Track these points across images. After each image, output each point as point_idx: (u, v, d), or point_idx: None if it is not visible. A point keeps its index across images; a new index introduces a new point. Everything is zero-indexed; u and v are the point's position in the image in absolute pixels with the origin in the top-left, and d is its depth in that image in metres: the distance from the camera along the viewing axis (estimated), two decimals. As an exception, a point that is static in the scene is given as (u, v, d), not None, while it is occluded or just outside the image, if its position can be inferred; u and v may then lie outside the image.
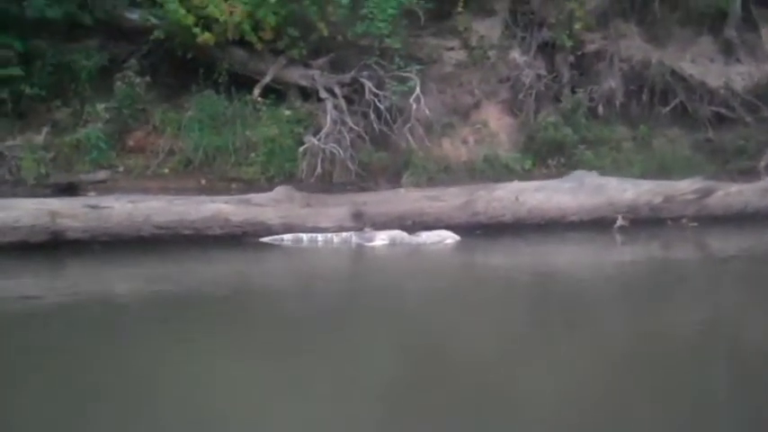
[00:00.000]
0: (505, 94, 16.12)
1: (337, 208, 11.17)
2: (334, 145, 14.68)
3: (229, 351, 7.51)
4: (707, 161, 15.92)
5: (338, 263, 10.67)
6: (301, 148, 14.60)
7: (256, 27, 14.89)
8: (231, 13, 14.69)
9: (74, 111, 14.82)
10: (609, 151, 15.95)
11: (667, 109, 16.26)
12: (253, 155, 14.76)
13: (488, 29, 16.34)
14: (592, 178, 12.58)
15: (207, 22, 14.70)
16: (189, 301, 9.25)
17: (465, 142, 15.86)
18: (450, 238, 11.18)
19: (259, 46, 15.05)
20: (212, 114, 14.95)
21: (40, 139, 14.46)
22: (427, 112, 15.19)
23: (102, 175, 14.24)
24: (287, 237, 10.86)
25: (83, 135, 14.39)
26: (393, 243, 10.99)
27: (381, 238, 10.96)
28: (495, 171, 15.30)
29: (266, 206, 10.90)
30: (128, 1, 15.19)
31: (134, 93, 14.82)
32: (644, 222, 12.68)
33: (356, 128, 14.98)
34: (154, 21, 14.98)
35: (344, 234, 10.97)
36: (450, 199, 11.80)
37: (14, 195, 12.75)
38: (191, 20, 14.62)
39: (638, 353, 7.57)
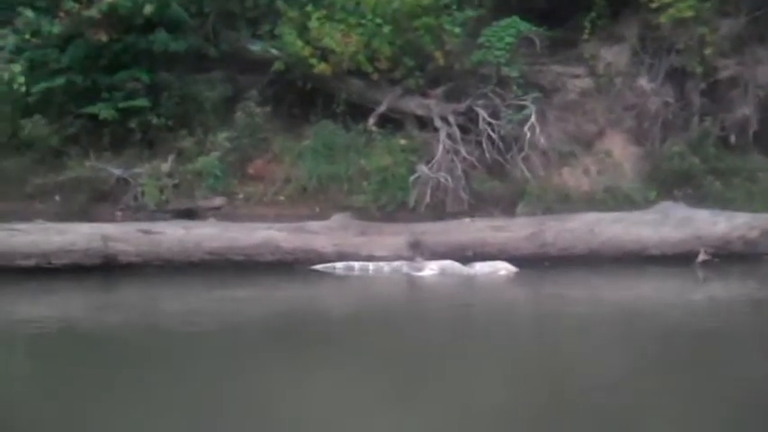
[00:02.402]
0: (631, 122, 15.66)
1: (394, 237, 11.18)
2: (445, 174, 14.72)
3: (288, 377, 7.62)
4: None
5: (367, 293, 10.74)
6: (412, 177, 14.72)
7: (372, 57, 15.13)
8: (347, 43, 14.99)
9: (198, 140, 15.47)
10: (742, 182, 15.23)
11: (808, 138, 15.38)
12: (365, 183, 15.00)
13: (616, 55, 15.93)
14: (678, 210, 12.07)
15: (324, 53, 15.07)
16: (233, 327, 9.53)
17: (587, 172, 15.51)
18: (504, 269, 10.99)
19: (375, 76, 15.28)
20: (328, 143, 15.28)
21: (166, 166, 15.18)
22: (542, 140, 15.02)
23: (218, 201, 14.83)
24: (338, 265, 10.99)
25: (201, 163, 15.00)
26: (443, 273, 10.92)
27: (431, 268, 10.91)
28: (616, 202, 14.88)
29: (319, 234, 11.05)
30: (250, 33, 15.74)
31: (254, 123, 15.34)
32: (738, 258, 12.04)
33: (469, 157, 14.97)
34: (274, 52, 15.50)
35: (395, 263, 10.99)
36: (516, 229, 11.59)
37: (136, 220, 13.47)
38: (308, 51, 15.03)
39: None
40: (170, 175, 15.09)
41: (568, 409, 7.03)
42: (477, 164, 15.04)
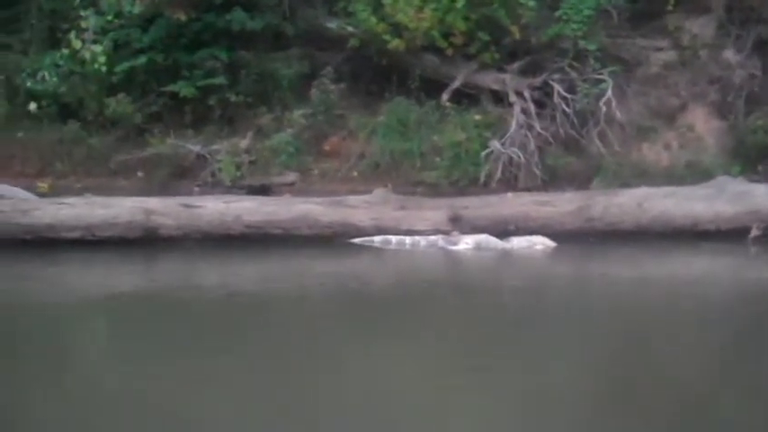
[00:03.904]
0: (715, 95, 15.18)
1: (434, 211, 11.15)
2: (516, 150, 14.57)
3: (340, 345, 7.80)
4: None
5: (396, 266, 10.74)
6: (483, 153, 14.61)
7: (446, 33, 15.04)
8: (420, 19, 14.92)
9: (276, 117, 15.66)
10: (830, 157, 14.60)
11: None
12: (438, 159, 14.95)
13: (701, 27, 15.44)
14: (735, 185, 11.67)
15: (398, 29, 15.04)
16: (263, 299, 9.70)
17: (667, 147, 15.12)
18: (541, 243, 10.83)
19: (450, 51, 15.19)
20: (402, 120, 15.28)
21: (244, 143, 15.43)
22: (618, 115, 14.71)
23: (291, 177, 15.00)
24: (376, 239, 11.03)
25: (276, 141, 15.21)
26: (478, 247, 10.83)
27: (466, 242, 10.84)
28: (697, 177, 14.43)
29: (358, 208, 11.10)
30: (326, 11, 15.83)
31: (329, 99, 15.43)
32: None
33: (544, 132, 14.76)
34: (350, 29, 15.54)
35: (432, 237, 10.96)
36: (561, 204, 11.40)
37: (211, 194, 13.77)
38: (381, 27, 15.03)
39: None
40: (248, 151, 15.33)
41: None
42: (551, 139, 14.82)
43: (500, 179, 14.47)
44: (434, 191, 14.19)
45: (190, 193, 14.20)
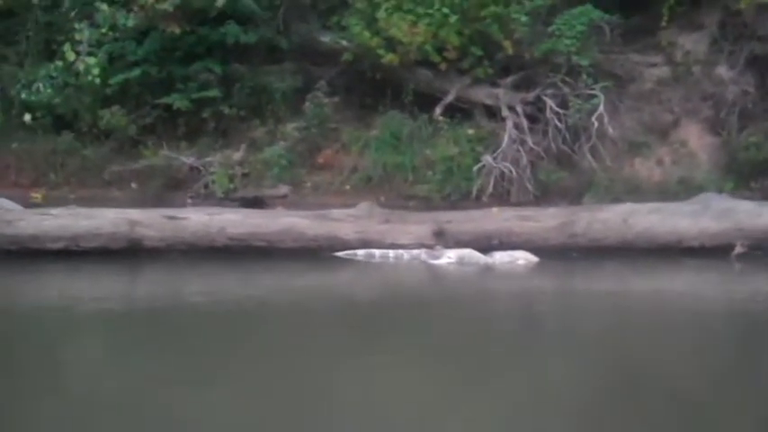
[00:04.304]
0: (708, 111, 15.18)
1: (418, 225, 11.16)
2: (508, 164, 14.58)
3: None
4: None
5: (376, 280, 10.75)
6: (476, 167, 14.63)
7: (440, 47, 15.07)
8: (414, 34, 14.95)
9: (269, 130, 15.72)
10: (825, 175, 14.57)
11: None
12: (430, 173, 14.96)
13: (694, 43, 15.47)
14: (720, 201, 11.65)
15: (391, 44, 15.07)
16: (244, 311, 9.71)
17: (660, 162, 15.13)
18: (523, 259, 10.84)
19: (443, 66, 15.21)
20: (395, 133, 15.31)
21: (238, 155, 15.48)
22: (611, 130, 14.71)
23: (283, 190, 15.02)
24: (360, 252, 11.04)
25: (268, 153, 15.25)
26: (461, 262, 10.84)
27: (449, 257, 10.85)
28: (689, 193, 14.41)
29: (343, 221, 11.11)
30: (320, 25, 15.88)
31: (322, 113, 15.47)
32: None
33: (536, 147, 14.77)
34: (344, 43, 15.59)
35: (415, 251, 10.97)
36: (544, 219, 11.39)
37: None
38: (375, 41, 15.06)
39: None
40: (241, 164, 15.37)
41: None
42: (543, 154, 14.82)
43: (492, 194, 14.50)
44: (426, 205, 14.21)
45: (183, 205, 14.26)
